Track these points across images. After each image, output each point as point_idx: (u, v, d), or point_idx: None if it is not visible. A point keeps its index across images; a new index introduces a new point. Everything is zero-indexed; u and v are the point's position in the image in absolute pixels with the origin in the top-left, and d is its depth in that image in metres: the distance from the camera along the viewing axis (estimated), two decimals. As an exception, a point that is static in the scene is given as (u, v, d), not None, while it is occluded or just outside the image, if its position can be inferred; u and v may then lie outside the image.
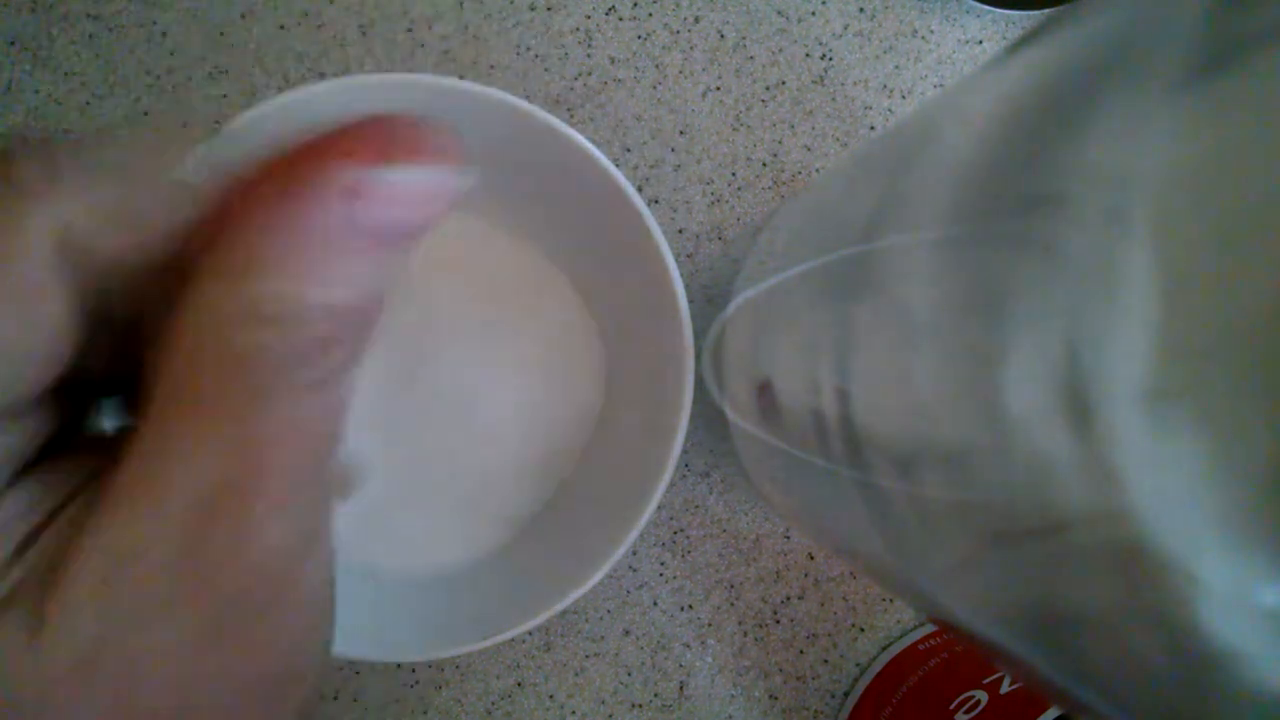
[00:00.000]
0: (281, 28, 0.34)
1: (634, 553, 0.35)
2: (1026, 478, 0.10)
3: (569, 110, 0.35)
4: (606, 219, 0.28)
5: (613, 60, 0.35)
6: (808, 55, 0.35)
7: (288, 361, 0.12)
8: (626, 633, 0.35)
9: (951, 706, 0.31)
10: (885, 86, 0.35)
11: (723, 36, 0.35)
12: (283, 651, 0.13)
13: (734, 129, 0.35)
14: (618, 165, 0.30)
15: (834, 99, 0.35)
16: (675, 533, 0.35)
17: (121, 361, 0.14)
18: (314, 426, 0.12)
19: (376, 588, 0.31)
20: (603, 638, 0.35)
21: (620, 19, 0.35)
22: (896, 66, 0.35)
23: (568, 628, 0.35)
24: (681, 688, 0.35)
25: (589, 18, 0.35)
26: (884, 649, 0.36)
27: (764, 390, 0.21)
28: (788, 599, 0.35)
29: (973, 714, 0.30)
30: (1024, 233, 0.10)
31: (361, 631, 0.28)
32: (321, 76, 0.34)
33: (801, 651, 0.36)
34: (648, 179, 0.35)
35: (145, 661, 0.11)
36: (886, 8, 0.35)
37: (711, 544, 0.35)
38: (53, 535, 0.12)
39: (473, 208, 0.32)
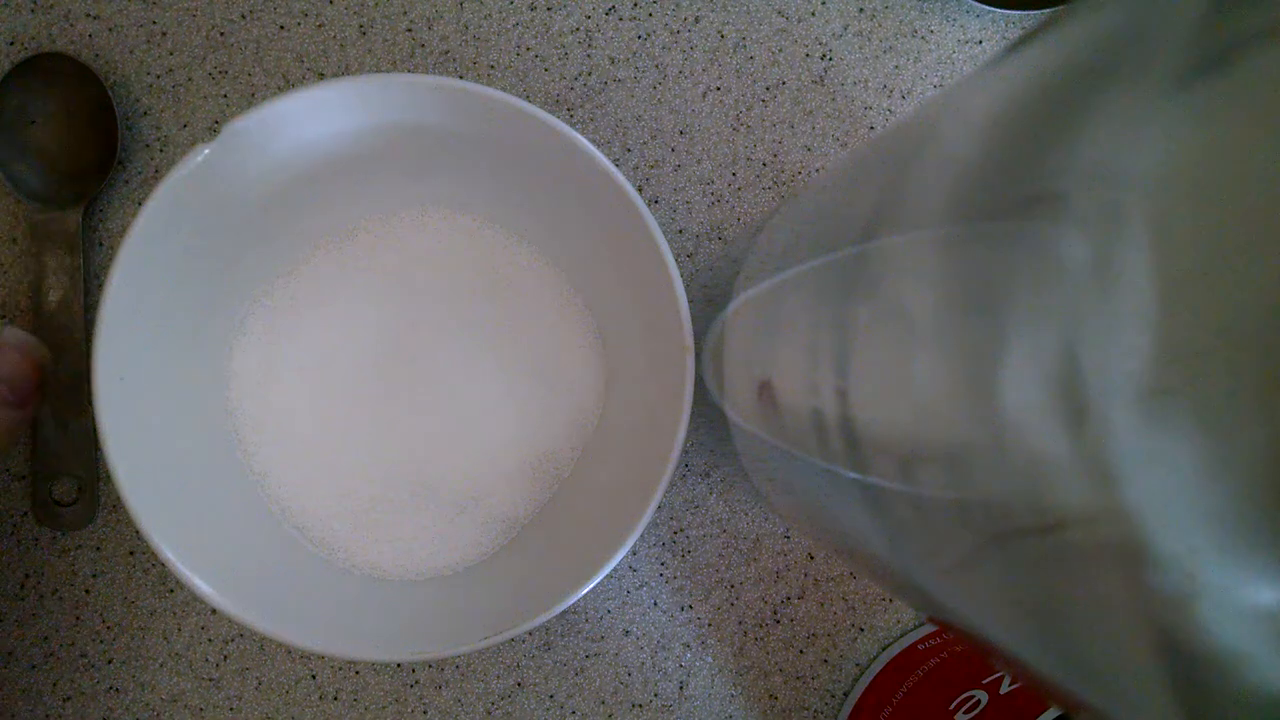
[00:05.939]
0: (281, 28, 0.34)
1: (634, 553, 0.35)
2: (1024, 477, 0.10)
3: (569, 110, 0.35)
4: (606, 219, 0.28)
5: (613, 60, 0.35)
6: (808, 55, 0.35)
7: None
8: (626, 633, 0.35)
9: (951, 706, 0.31)
10: (885, 86, 0.35)
11: (723, 37, 0.35)
12: None
13: (734, 129, 0.35)
14: (618, 165, 0.30)
15: (834, 99, 0.35)
16: (675, 533, 0.35)
17: None
18: None
19: (377, 588, 0.31)
20: (603, 638, 0.35)
21: (620, 19, 0.35)
22: (896, 66, 0.35)
23: (568, 628, 0.35)
24: (681, 688, 0.35)
25: (589, 18, 0.35)
26: (884, 649, 0.36)
27: (764, 390, 0.21)
28: (788, 599, 0.35)
29: (973, 714, 0.30)
30: (1022, 232, 0.10)
31: (361, 631, 0.28)
32: (321, 76, 0.34)
33: (801, 651, 0.36)
34: (648, 179, 0.35)
35: None
36: (886, 8, 0.35)
37: (711, 544, 0.35)
38: None
39: (473, 208, 0.32)
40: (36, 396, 0.27)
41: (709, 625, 0.35)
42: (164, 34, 0.33)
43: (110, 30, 0.33)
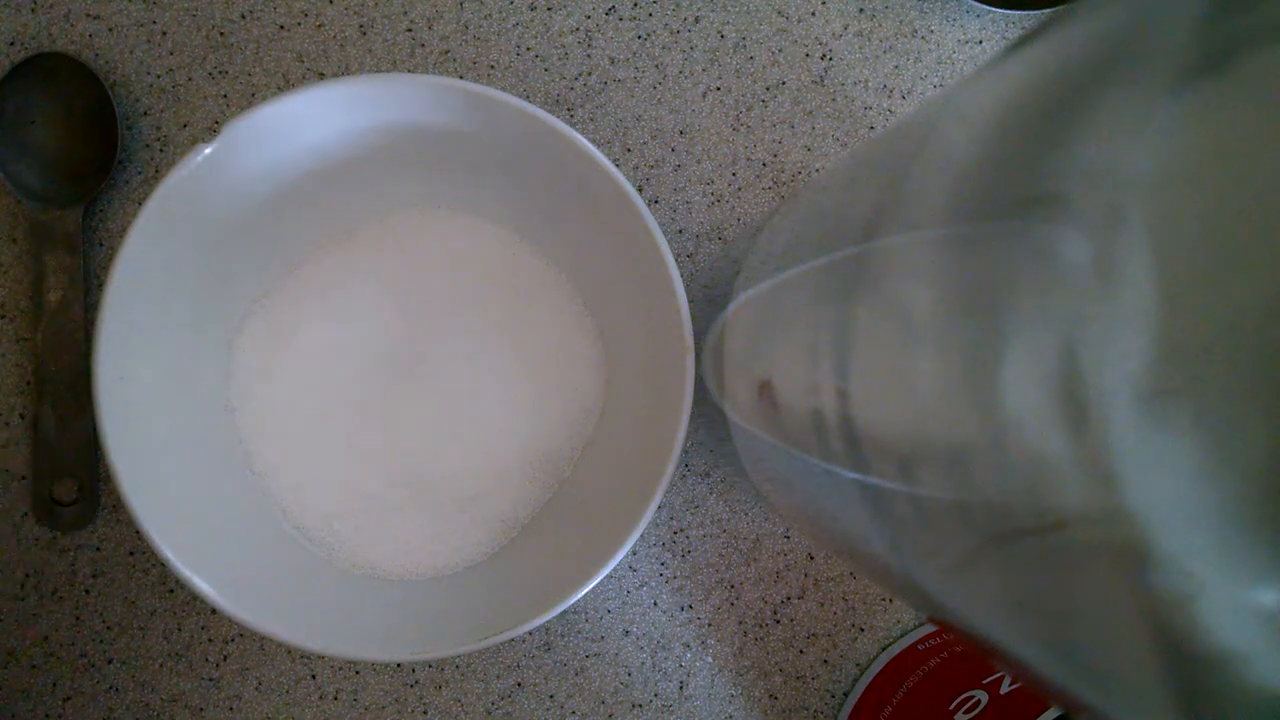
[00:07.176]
0: (281, 28, 0.34)
1: (634, 553, 0.35)
2: (1024, 477, 0.10)
3: (569, 110, 0.35)
4: (607, 219, 0.28)
5: (613, 60, 0.35)
6: (808, 55, 0.35)
7: None
8: (626, 633, 0.35)
9: (951, 706, 0.31)
10: (885, 86, 0.35)
11: (723, 37, 0.35)
12: None
13: (734, 129, 0.35)
14: (618, 165, 0.30)
15: (834, 99, 0.35)
16: (675, 533, 0.35)
17: None
18: None
19: (377, 588, 0.31)
20: (603, 638, 0.35)
21: (620, 19, 0.35)
22: (896, 66, 0.35)
23: (568, 628, 0.35)
24: (682, 688, 0.35)
25: (589, 18, 0.35)
26: (884, 649, 0.36)
27: (764, 390, 0.21)
28: (788, 599, 0.35)
29: (973, 714, 0.30)
30: (1022, 232, 0.10)
31: (362, 631, 0.28)
32: (321, 76, 0.34)
33: (801, 651, 0.36)
34: (648, 179, 0.35)
35: None
36: (886, 8, 0.35)
37: (711, 544, 0.35)
38: None
39: (473, 208, 0.32)
40: None
41: (709, 625, 0.35)
42: (164, 34, 0.33)
43: (110, 30, 0.33)
